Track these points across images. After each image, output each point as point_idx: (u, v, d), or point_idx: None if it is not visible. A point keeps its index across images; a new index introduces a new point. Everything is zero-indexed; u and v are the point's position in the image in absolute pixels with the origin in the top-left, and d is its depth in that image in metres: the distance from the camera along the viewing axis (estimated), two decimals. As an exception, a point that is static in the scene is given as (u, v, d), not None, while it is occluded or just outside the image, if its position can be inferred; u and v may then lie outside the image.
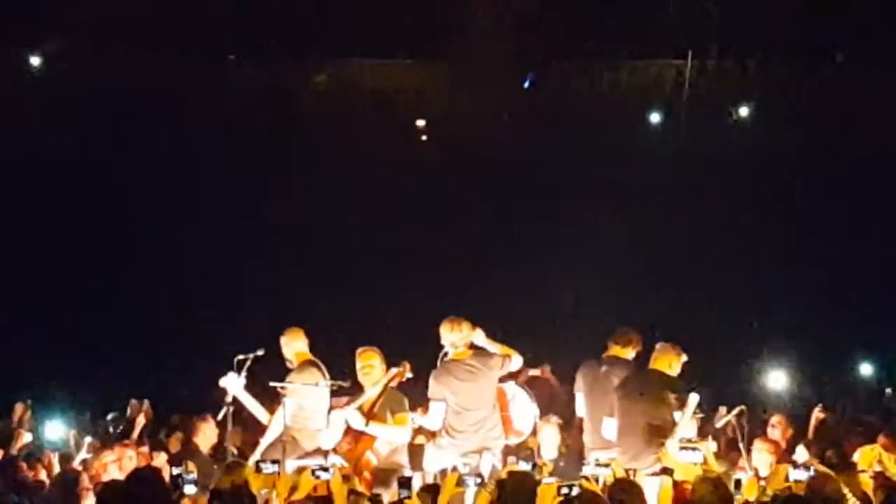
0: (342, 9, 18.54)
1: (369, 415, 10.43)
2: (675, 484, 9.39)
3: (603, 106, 19.48)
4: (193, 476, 8.94)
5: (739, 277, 18.28)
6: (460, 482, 8.94)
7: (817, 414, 12.12)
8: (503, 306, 15.82)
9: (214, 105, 18.80)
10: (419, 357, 10.92)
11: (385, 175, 18.69)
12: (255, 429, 11.34)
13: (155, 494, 7.98)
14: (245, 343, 10.99)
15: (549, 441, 11.13)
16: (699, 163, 18.79)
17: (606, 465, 9.64)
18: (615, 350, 10.89)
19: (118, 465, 9.97)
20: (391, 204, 18.70)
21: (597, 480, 9.35)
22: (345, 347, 11.09)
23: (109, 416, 12.53)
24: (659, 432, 10.00)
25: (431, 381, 10.56)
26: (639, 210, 18.54)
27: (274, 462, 9.33)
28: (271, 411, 10.80)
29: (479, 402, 10.47)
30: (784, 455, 10.74)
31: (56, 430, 11.72)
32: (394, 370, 10.63)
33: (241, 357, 10.71)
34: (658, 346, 10.57)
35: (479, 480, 8.90)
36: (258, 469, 9.21)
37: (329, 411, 10.57)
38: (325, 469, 9.12)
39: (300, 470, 9.53)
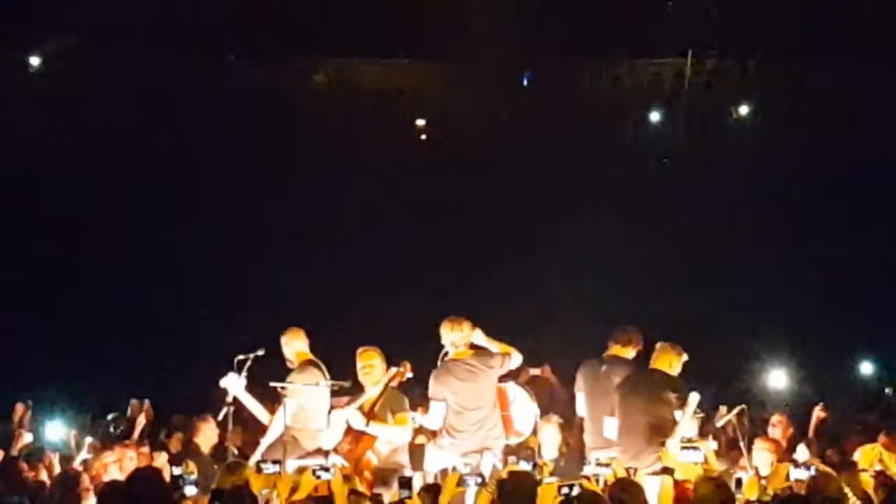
0: (342, 9, 18.57)
1: (370, 415, 10.42)
2: (676, 483, 9.38)
3: (603, 105, 19.51)
4: (194, 477, 8.93)
5: (739, 276, 18.28)
6: (461, 482, 8.94)
7: (818, 413, 12.11)
8: (503, 306, 15.81)
9: (214, 105, 18.81)
10: (419, 357, 10.92)
11: (385, 175, 18.68)
12: (255, 429, 11.34)
13: (155, 495, 7.98)
14: (245, 343, 10.98)
15: (550, 441, 11.12)
16: (699, 162, 18.80)
17: (607, 465, 9.64)
18: (615, 349, 10.88)
19: (119, 465, 9.95)
20: (391, 203, 18.69)
21: (597, 480, 9.35)
22: (345, 347, 11.09)
23: (110, 417, 12.50)
24: (659, 432, 10.00)
25: (431, 381, 10.56)
26: (638, 209, 18.54)
27: (275, 462, 9.33)
28: (272, 411, 10.80)
29: (480, 402, 10.47)
30: (784, 454, 10.74)
31: (56, 430, 11.70)
32: (394, 370, 10.62)
33: (241, 357, 10.71)
34: (658, 345, 10.57)
35: (479, 480, 8.90)
36: (259, 469, 9.20)
37: (329, 411, 10.56)
38: (326, 469, 9.12)
39: (301, 470, 9.53)
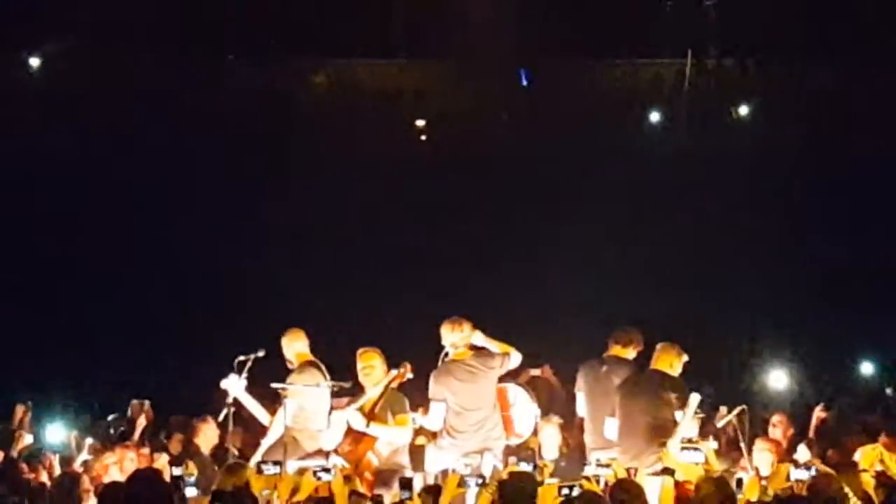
0: (341, 9, 18.54)
1: (370, 416, 10.43)
2: (677, 484, 9.38)
3: (602, 105, 19.47)
4: (194, 478, 8.93)
5: (739, 276, 18.25)
6: (462, 483, 8.94)
7: (818, 413, 12.12)
8: (504, 306, 15.80)
9: (213, 105, 18.78)
10: (420, 357, 10.92)
11: (385, 175, 18.66)
12: (255, 430, 11.34)
13: (156, 496, 7.96)
14: (245, 344, 10.98)
15: (550, 441, 11.13)
16: (699, 162, 18.78)
17: (607, 466, 9.64)
18: (616, 350, 10.90)
19: (119, 466, 9.96)
20: (391, 204, 18.67)
21: (598, 480, 9.35)
22: (345, 348, 11.09)
23: (110, 418, 12.50)
24: (660, 432, 10.01)
25: (431, 382, 10.57)
26: (639, 209, 18.53)
27: (275, 463, 9.33)
28: (272, 412, 10.80)
29: (480, 403, 10.48)
30: (785, 454, 10.75)
31: (57, 433, 11.71)
32: (394, 372, 10.62)
33: (241, 358, 10.72)
34: (659, 345, 10.58)
35: (480, 481, 8.91)
36: (260, 470, 9.21)
37: (330, 412, 10.56)
38: (327, 470, 9.12)
39: (302, 471, 9.54)
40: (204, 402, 12.68)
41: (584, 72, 19.56)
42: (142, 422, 11.64)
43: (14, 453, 10.88)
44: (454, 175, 18.86)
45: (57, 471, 10.49)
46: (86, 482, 9.57)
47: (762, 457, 10.44)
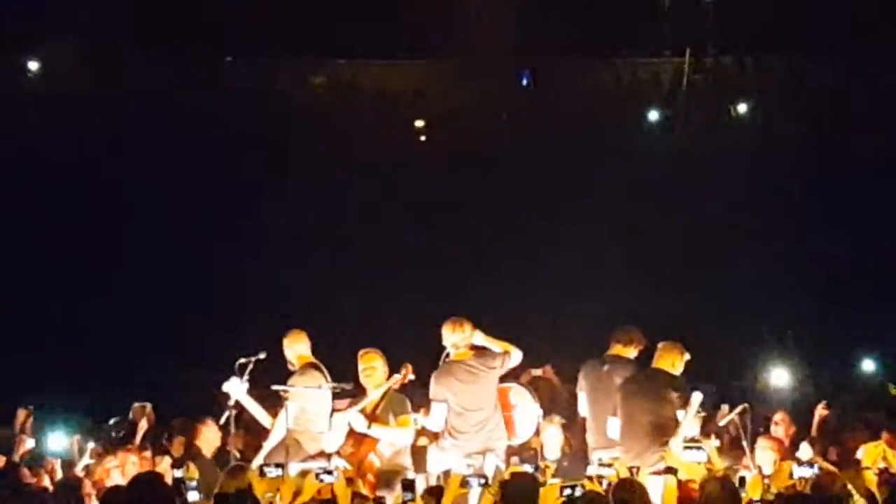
0: (340, 10, 18.56)
1: (372, 417, 10.41)
2: (680, 483, 9.38)
3: (602, 104, 19.49)
4: (196, 482, 8.92)
5: (740, 275, 18.27)
6: (464, 483, 8.93)
7: (820, 411, 12.10)
8: (504, 306, 15.81)
9: (212, 106, 18.81)
10: (421, 358, 10.91)
11: (384, 175, 18.68)
12: (257, 432, 11.33)
13: (158, 499, 7.96)
14: (245, 346, 10.97)
15: (552, 441, 11.11)
16: (698, 161, 18.79)
17: (610, 465, 9.63)
18: (617, 349, 10.88)
19: (121, 470, 9.94)
20: (390, 204, 18.68)
21: (600, 480, 9.35)
22: (346, 349, 11.08)
23: (112, 421, 12.47)
24: (662, 431, 10.00)
25: (432, 382, 10.55)
26: (638, 208, 18.53)
27: (277, 465, 9.31)
28: (273, 414, 10.79)
29: (481, 403, 10.46)
30: (787, 452, 10.73)
31: (59, 440, 11.69)
32: (397, 376, 10.62)
33: (242, 360, 10.70)
34: (661, 344, 10.56)
35: (482, 481, 8.89)
36: (262, 473, 9.19)
37: (332, 414, 10.54)
38: (329, 472, 9.11)
39: (304, 473, 9.52)
40: (204, 405, 12.67)
41: (584, 71, 19.58)
42: (143, 425, 11.62)
43: (16, 458, 10.87)
44: (454, 175, 18.88)
45: (59, 475, 10.47)
46: (87, 486, 9.55)
47: (764, 455, 10.42)
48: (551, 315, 17.32)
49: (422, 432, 10.79)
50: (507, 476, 9.01)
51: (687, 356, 10.51)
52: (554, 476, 10.03)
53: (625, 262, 17.92)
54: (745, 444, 10.53)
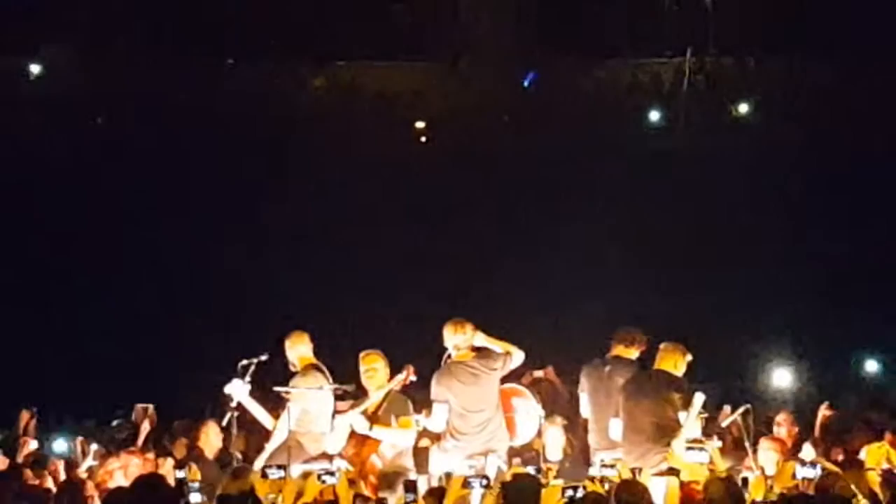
0: (340, 11, 18.56)
1: (373, 418, 10.42)
2: (682, 484, 9.38)
3: (603, 104, 19.48)
4: (198, 484, 8.93)
5: (741, 275, 18.25)
6: (466, 485, 8.93)
7: (823, 411, 12.11)
8: (505, 307, 15.79)
9: (212, 108, 18.80)
10: (422, 359, 10.90)
11: (385, 176, 18.67)
12: (259, 434, 11.33)
13: (160, 501, 7.97)
14: (246, 347, 10.97)
15: (554, 442, 11.12)
16: (699, 161, 18.78)
17: (612, 466, 9.63)
18: (619, 350, 10.87)
19: (124, 472, 9.95)
20: (391, 205, 18.67)
21: (602, 481, 9.34)
22: (347, 351, 11.07)
23: (115, 423, 12.49)
24: (665, 432, 10.00)
25: (433, 383, 10.56)
26: (640, 208, 18.53)
27: (280, 467, 9.32)
28: (275, 416, 10.79)
29: (483, 404, 10.46)
30: (790, 453, 10.73)
31: (62, 445, 11.70)
32: (398, 377, 10.62)
33: (244, 362, 10.71)
34: (663, 345, 10.56)
35: (484, 483, 8.89)
36: (264, 474, 9.20)
37: (333, 415, 10.55)
38: (331, 473, 9.12)
39: (306, 474, 9.53)
40: (205, 407, 12.68)
41: (584, 71, 19.57)
42: (146, 427, 11.64)
43: (19, 459, 10.87)
44: (454, 176, 18.87)
45: (62, 477, 10.47)
46: (90, 488, 9.55)
47: (767, 456, 10.42)
48: (553, 316, 17.30)
49: (423, 433, 10.80)
50: (508, 477, 9.03)
51: (689, 357, 10.51)
52: (556, 477, 10.03)
53: (626, 262, 17.91)
54: (747, 444, 10.52)
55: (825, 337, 17.38)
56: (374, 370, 10.66)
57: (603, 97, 19.70)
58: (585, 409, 10.92)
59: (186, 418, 12.41)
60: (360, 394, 10.68)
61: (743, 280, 18.19)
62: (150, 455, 10.71)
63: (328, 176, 18.48)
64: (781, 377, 14.47)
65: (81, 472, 10.64)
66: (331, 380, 10.65)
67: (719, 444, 10.72)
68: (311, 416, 10.52)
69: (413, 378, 10.73)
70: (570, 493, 8.56)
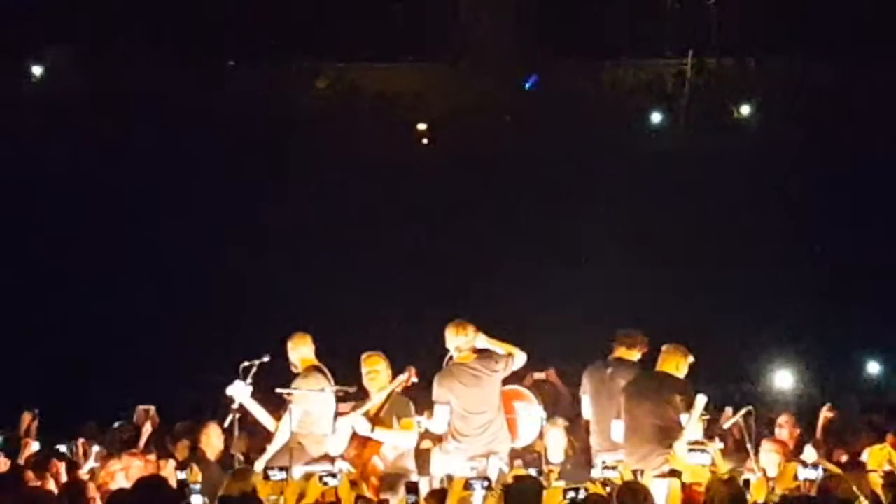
0: (341, 12, 18.56)
1: (375, 420, 10.41)
2: (684, 486, 9.38)
3: (604, 105, 19.48)
4: (199, 486, 8.92)
5: (742, 276, 18.26)
6: (467, 486, 8.93)
7: (824, 413, 12.10)
8: (505, 307, 15.80)
9: (214, 109, 18.80)
10: (423, 360, 10.90)
11: (386, 178, 18.68)
12: (261, 435, 11.33)
13: (162, 502, 7.97)
14: (247, 348, 10.97)
15: (556, 444, 11.12)
16: (700, 162, 18.78)
17: (614, 468, 9.63)
18: (620, 352, 10.87)
19: (125, 473, 9.94)
20: (392, 207, 18.68)
21: (604, 483, 9.34)
22: (348, 352, 11.07)
23: (116, 425, 12.49)
24: (666, 434, 9.99)
25: (435, 385, 10.56)
26: (640, 209, 18.53)
27: (281, 469, 9.32)
28: (277, 417, 10.79)
29: (484, 406, 10.46)
30: (791, 455, 10.73)
31: (63, 446, 11.70)
32: (401, 378, 10.62)
33: (246, 364, 10.71)
34: (664, 347, 10.55)
35: (486, 484, 8.90)
36: (266, 476, 9.20)
37: (335, 417, 10.55)
38: (333, 475, 9.12)
39: (308, 476, 9.53)
40: (206, 408, 12.67)
41: (585, 72, 19.56)
42: (147, 428, 11.63)
43: (21, 461, 10.87)
44: (455, 177, 18.87)
45: (63, 478, 10.46)
46: (92, 489, 9.55)
47: (769, 457, 10.42)
48: (554, 318, 17.31)
49: (425, 435, 10.80)
50: (510, 479, 9.03)
51: (691, 359, 10.50)
52: (557, 479, 10.03)
53: (626, 262, 17.92)
54: (749, 446, 10.51)
55: (826, 338, 17.39)
56: (376, 372, 10.66)
57: (603, 98, 19.70)
58: (587, 410, 10.92)
59: (188, 420, 12.41)
60: (361, 395, 10.68)
61: (744, 281, 18.19)
62: (152, 456, 10.70)
63: (329, 177, 18.49)
64: (783, 379, 14.47)
65: (83, 473, 10.63)
66: (332, 381, 10.65)
67: (721, 445, 10.72)
68: (313, 417, 10.52)
69: (415, 380, 10.73)
70: (571, 494, 8.55)
